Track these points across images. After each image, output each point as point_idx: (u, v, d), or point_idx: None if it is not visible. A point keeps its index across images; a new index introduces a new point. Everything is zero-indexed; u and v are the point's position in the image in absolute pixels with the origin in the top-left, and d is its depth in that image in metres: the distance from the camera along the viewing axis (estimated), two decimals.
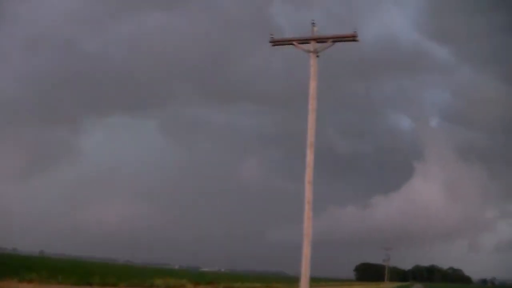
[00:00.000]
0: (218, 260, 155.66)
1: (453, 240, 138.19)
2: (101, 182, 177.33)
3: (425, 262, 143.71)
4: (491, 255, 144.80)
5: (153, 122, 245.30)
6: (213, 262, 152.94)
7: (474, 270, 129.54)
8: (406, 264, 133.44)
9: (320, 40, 13.74)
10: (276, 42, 14.20)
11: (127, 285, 27.04)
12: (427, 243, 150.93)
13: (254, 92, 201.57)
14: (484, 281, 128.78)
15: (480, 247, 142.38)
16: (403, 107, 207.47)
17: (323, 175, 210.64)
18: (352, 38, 13.51)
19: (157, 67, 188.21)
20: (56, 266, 40.67)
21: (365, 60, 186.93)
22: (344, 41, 13.65)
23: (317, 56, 13.68)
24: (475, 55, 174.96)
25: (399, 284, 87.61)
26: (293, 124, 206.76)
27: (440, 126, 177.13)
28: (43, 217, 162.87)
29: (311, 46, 13.75)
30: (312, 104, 13.46)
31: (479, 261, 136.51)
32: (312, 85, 13.54)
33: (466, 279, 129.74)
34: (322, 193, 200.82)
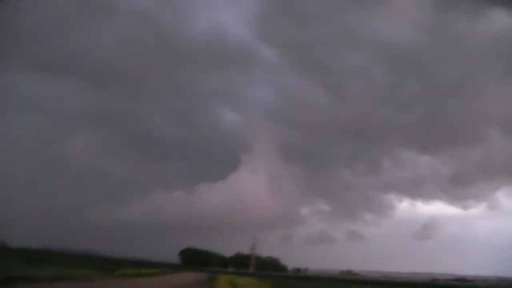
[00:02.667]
0: (28, 236, 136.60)
1: (271, 231, 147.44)
2: None
3: (246, 250, 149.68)
4: (303, 247, 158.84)
5: None
6: (23, 238, 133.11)
7: (289, 260, 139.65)
8: (229, 251, 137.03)
9: None
10: None
11: None
12: (248, 232, 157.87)
13: (82, 67, 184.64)
14: (298, 270, 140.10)
15: (293, 239, 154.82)
16: (230, 101, 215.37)
17: (149, 158, 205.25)
18: None
19: None
20: None
21: (193, 50, 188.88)
22: None
23: None
24: (301, 62, 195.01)
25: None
26: (119, 103, 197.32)
27: (265, 124, 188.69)
28: None
29: None
30: None
31: (293, 252, 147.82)
32: None
33: (282, 268, 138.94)
34: (149, 176, 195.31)
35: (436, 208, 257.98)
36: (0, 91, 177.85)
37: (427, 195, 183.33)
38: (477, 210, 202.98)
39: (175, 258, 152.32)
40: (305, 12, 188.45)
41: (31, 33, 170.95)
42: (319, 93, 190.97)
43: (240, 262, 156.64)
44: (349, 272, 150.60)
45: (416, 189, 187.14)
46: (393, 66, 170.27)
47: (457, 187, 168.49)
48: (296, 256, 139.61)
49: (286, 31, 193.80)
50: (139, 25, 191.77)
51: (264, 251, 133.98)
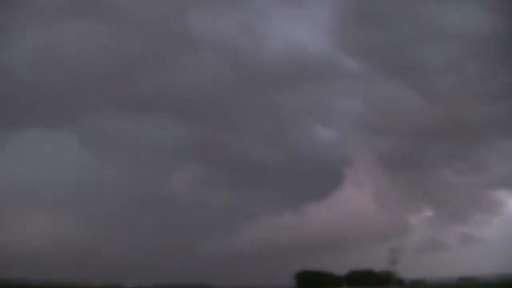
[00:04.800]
0: (142, 275, 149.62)
1: (382, 243, 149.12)
2: (19, 200, 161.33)
3: (359, 267, 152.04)
4: (416, 257, 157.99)
5: (72, 135, 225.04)
6: (137, 278, 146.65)
7: (404, 272, 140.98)
8: (342, 269, 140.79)
9: None
10: None
11: None
12: (359, 247, 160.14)
13: (173, 103, 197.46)
14: (416, 282, 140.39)
15: (405, 249, 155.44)
16: (321, 116, 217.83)
17: (251, 184, 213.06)
18: None
19: (68, 79, 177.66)
20: None
21: (275, 71, 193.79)
22: None
23: None
24: (384, 66, 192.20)
25: None
26: (213, 136, 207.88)
27: (360, 134, 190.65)
28: None
29: None
30: None
31: (406, 264, 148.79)
32: None
33: (399, 281, 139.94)
34: (254, 202, 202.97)
35: None
36: (96, 134, 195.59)
37: None
38: None
39: (290, 282, 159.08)
40: (381, 14, 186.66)
41: (117, 73, 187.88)
42: (409, 95, 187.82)
43: (355, 280, 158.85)
44: (469, 278, 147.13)
45: None
46: (482, 57, 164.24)
47: None
48: (410, 267, 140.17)
49: (364, 37, 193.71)
50: (221, 54, 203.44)
51: (377, 265, 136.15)
